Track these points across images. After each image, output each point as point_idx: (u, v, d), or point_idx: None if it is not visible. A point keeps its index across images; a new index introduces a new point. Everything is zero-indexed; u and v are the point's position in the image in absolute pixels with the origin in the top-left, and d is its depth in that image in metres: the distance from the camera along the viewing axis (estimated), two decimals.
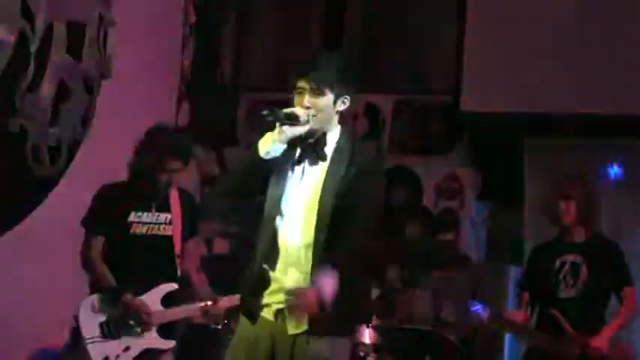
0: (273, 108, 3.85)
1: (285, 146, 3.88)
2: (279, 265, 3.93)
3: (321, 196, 3.89)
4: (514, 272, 7.30)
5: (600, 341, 5.48)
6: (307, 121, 3.87)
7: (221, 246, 7.79)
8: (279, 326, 3.92)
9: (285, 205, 3.94)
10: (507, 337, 7.23)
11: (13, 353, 6.04)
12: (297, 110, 3.87)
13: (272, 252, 3.94)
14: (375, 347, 6.02)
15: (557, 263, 5.66)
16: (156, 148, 5.16)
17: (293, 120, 3.84)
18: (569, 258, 5.65)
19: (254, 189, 3.98)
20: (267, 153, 3.86)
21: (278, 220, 3.94)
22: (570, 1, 7.35)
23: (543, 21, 7.39)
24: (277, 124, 3.85)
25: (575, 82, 7.26)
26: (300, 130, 3.87)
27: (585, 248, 5.65)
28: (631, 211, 7.38)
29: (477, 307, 5.54)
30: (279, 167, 3.96)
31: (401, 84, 8.12)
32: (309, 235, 3.89)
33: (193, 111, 8.24)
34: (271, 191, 3.96)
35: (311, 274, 3.86)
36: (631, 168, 7.50)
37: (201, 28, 8.18)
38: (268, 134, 3.86)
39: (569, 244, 5.69)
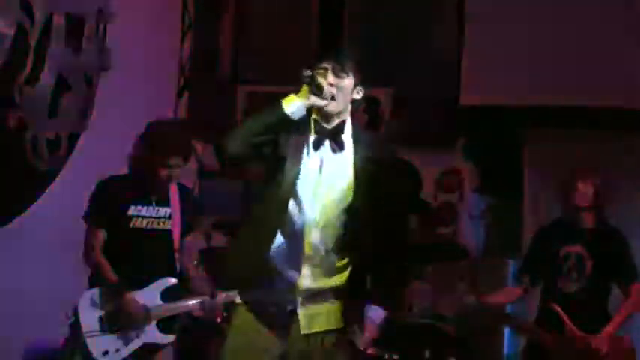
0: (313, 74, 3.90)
1: (304, 112, 3.90)
2: (292, 260, 3.93)
3: (354, 194, 3.94)
4: (513, 266, 7.29)
5: (601, 342, 5.43)
6: (329, 98, 3.90)
7: (220, 239, 7.78)
8: (291, 328, 3.95)
9: (302, 192, 3.93)
10: (507, 331, 7.23)
11: (12, 349, 6.04)
12: (324, 84, 3.89)
13: (286, 243, 3.93)
14: (374, 341, 6.01)
15: (562, 254, 5.61)
16: (156, 144, 5.15)
17: (319, 90, 3.87)
18: (574, 249, 5.59)
19: (264, 142, 3.92)
20: (293, 112, 3.87)
21: (292, 207, 3.93)
22: None
23: (543, 15, 7.39)
24: (306, 90, 3.88)
25: (575, 76, 7.26)
26: (321, 103, 3.89)
27: (590, 238, 5.59)
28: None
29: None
30: (295, 146, 3.95)
31: (400, 78, 8.11)
32: (330, 233, 3.93)
33: (192, 103, 8.24)
34: (286, 174, 3.92)
35: (330, 270, 3.95)
36: (631, 161, 7.49)
37: (200, 21, 8.17)
38: (292, 94, 3.90)
39: (575, 231, 5.63)
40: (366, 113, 7.94)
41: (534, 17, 7.42)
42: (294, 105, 3.87)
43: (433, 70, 8.09)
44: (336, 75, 3.91)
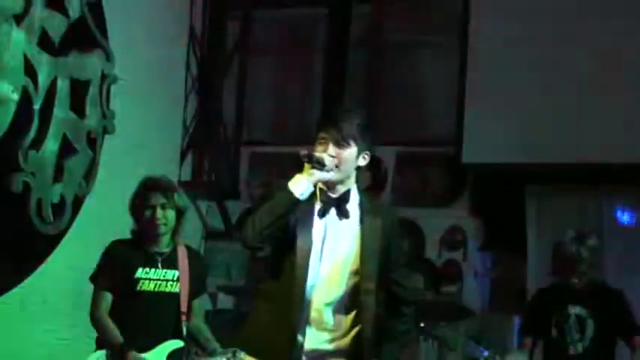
0: (309, 152, 3.89)
1: (312, 188, 3.88)
2: (303, 325, 3.94)
3: (361, 257, 3.96)
4: (519, 322, 7.26)
5: None
6: (332, 169, 3.88)
7: (225, 300, 7.78)
8: None
9: (313, 260, 3.94)
10: None
11: None
12: (325, 156, 3.88)
13: (301, 312, 3.93)
14: None
15: (563, 315, 5.59)
16: (137, 188, 5.29)
17: (321, 164, 3.85)
18: (574, 310, 5.58)
19: (280, 231, 3.93)
20: (302, 194, 3.85)
21: (306, 275, 3.92)
22: (570, 51, 7.38)
23: (544, 71, 7.42)
24: (308, 167, 3.87)
25: (576, 132, 7.28)
26: (326, 176, 3.88)
27: (590, 299, 5.58)
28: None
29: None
30: (303, 219, 3.95)
31: (403, 136, 8.13)
32: (336, 294, 3.95)
33: (196, 165, 8.26)
34: (300, 244, 3.93)
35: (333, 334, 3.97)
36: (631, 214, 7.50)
37: (204, 82, 8.22)
38: (298, 175, 3.87)
39: (574, 292, 5.62)
40: (369, 171, 7.97)
41: (537, 72, 7.45)
42: (301, 185, 3.84)
43: (435, 128, 8.12)
44: (337, 146, 3.89)
